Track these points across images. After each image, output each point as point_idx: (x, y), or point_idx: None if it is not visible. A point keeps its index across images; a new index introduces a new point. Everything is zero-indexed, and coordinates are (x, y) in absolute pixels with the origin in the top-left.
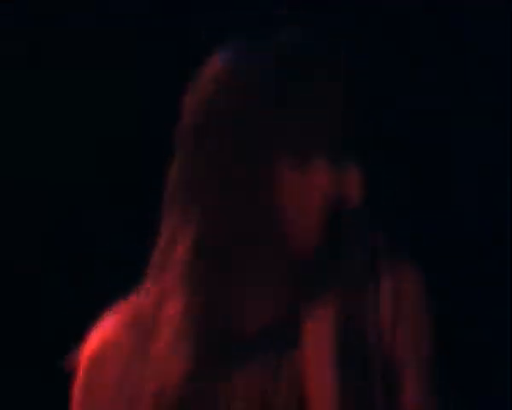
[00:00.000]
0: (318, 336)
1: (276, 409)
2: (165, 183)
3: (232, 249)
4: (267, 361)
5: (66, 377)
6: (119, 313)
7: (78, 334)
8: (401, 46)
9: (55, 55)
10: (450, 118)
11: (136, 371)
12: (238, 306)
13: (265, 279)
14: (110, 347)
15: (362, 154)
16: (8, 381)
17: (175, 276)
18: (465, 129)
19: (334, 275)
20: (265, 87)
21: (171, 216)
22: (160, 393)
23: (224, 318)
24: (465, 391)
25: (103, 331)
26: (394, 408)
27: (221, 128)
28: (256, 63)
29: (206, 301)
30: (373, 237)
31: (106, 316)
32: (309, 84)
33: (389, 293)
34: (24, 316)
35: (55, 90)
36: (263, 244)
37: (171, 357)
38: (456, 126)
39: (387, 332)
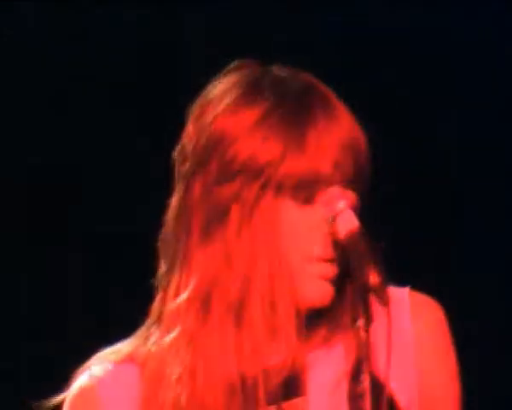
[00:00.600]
0: (322, 384)
1: None
2: (161, 229)
3: (236, 297)
4: (268, 407)
5: None
6: (117, 358)
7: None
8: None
9: None
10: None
11: None
12: (240, 353)
13: (271, 326)
14: (107, 388)
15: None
16: None
17: (177, 325)
18: None
19: (336, 320)
20: (265, 123)
21: (171, 263)
22: None
23: (227, 366)
24: None
25: (98, 373)
26: None
27: (220, 168)
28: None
29: (209, 349)
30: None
31: (96, 360)
32: (309, 118)
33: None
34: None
35: None
36: (268, 290)
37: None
38: None
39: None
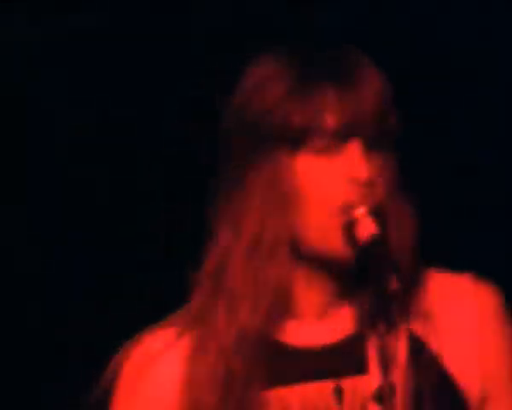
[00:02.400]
0: (386, 361)
1: None
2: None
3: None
4: (326, 381)
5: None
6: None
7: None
8: None
9: None
10: None
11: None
12: (295, 317)
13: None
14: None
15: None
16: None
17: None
18: None
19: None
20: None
21: (218, 227)
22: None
23: (282, 330)
24: None
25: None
26: None
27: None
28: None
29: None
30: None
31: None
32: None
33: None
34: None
35: None
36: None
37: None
38: None
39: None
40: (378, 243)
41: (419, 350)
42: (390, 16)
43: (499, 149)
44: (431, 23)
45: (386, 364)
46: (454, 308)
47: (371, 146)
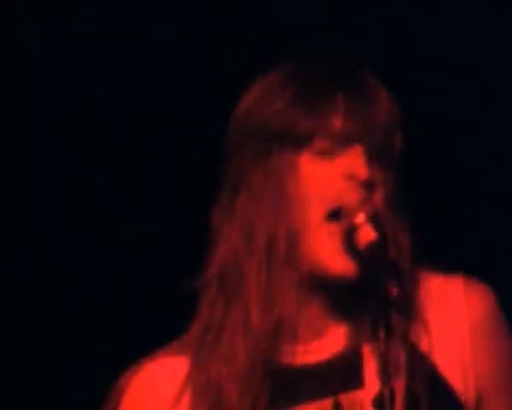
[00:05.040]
0: (386, 368)
1: None
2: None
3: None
4: (324, 399)
5: None
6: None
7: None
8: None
9: None
10: None
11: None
12: (294, 332)
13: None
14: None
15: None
16: None
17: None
18: None
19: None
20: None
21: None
22: None
23: (279, 351)
24: None
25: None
26: None
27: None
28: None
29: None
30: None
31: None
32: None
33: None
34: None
35: None
36: (289, 252)
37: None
38: None
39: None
40: (377, 250)
41: (409, 351)
42: (390, 16)
43: (500, 150)
44: (431, 23)
45: (386, 370)
46: (445, 310)
47: (373, 158)
